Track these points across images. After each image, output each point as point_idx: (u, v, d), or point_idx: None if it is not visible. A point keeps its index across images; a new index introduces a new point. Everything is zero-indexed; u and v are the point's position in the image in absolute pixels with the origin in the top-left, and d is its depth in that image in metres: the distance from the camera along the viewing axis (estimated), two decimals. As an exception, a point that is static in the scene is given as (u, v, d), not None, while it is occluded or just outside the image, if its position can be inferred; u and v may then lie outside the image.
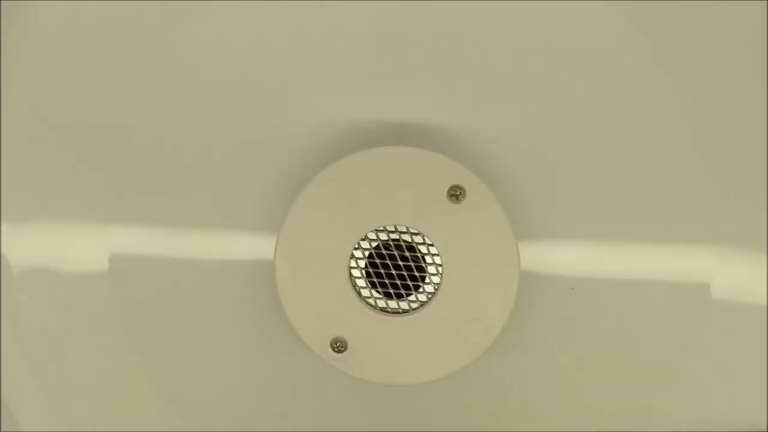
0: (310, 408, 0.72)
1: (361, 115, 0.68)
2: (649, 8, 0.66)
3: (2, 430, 0.72)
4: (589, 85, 0.68)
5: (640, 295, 0.70)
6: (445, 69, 0.67)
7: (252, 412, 0.72)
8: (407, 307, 0.66)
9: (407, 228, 0.65)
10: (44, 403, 0.72)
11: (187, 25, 0.67)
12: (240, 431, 0.72)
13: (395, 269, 0.66)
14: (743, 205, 0.69)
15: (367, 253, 0.66)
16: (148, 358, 0.71)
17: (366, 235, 0.65)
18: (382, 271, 0.66)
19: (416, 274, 0.66)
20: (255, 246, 0.70)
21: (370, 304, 0.66)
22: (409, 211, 0.65)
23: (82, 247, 0.70)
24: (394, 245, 0.66)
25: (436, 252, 0.65)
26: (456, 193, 0.64)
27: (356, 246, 0.65)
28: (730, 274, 0.70)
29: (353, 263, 0.66)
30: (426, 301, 0.66)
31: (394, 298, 0.66)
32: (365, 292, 0.66)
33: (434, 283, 0.66)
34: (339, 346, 0.66)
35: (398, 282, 0.66)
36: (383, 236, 0.66)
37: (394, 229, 0.65)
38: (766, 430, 0.71)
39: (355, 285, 0.66)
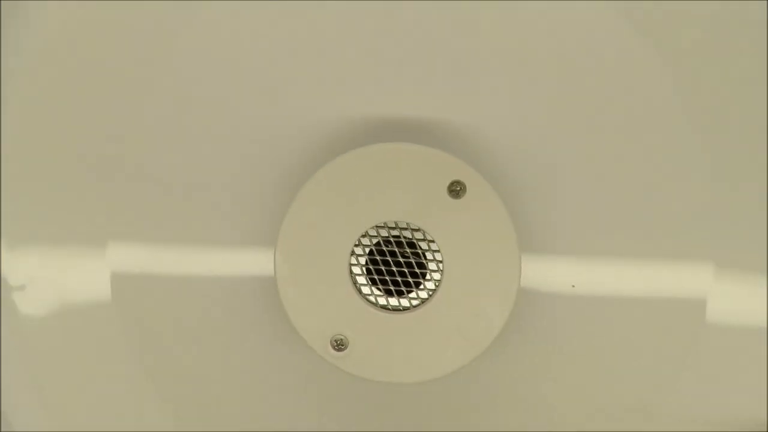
0: (309, 407, 0.72)
1: (360, 113, 0.68)
2: (650, 8, 0.66)
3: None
4: (589, 83, 0.68)
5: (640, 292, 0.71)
6: (444, 65, 0.67)
7: (251, 412, 0.72)
8: (408, 305, 0.66)
9: (408, 224, 0.65)
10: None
11: (183, 29, 0.67)
12: (239, 431, 0.72)
13: (396, 266, 0.66)
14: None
15: (367, 250, 0.65)
16: (147, 358, 0.71)
17: (366, 232, 0.65)
18: (383, 268, 0.66)
19: (417, 270, 0.66)
20: (257, 247, 0.70)
21: (370, 302, 0.66)
22: (409, 208, 0.65)
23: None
24: (395, 242, 0.66)
25: (437, 248, 0.65)
26: (456, 189, 0.64)
27: (356, 243, 0.65)
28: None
29: (353, 260, 0.65)
30: (427, 299, 0.66)
31: (395, 295, 0.66)
32: (366, 290, 0.66)
33: (435, 280, 0.66)
34: (339, 344, 0.65)
35: (399, 279, 0.66)
36: (384, 233, 0.65)
37: (394, 226, 0.65)
38: (766, 430, 0.70)
39: (355, 282, 0.66)
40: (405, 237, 0.66)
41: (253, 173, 0.69)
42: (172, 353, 0.72)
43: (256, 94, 0.68)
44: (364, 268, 0.66)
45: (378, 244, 0.66)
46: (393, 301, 0.66)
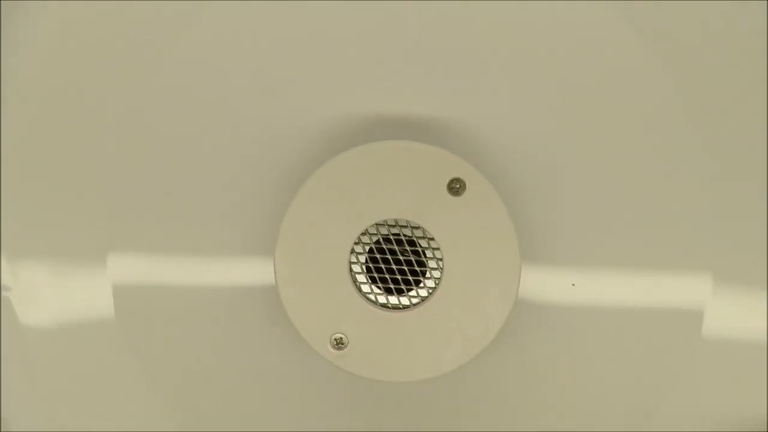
0: (308, 406, 0.72)
1: (359, 111, 0.68)
2: (650, 8, 0.67)
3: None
4: (588, 83, 0.68)
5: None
6: (444, 64, 0.67)
7: (250, 411, 0.72)
8: (408, 303, 0.66)
9: (407, 222, 0.65)
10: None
11: (183, 29, 0.67)
12: (238, 430, 0.71)
13: (395, 264, 0.66)
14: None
15: (367, 248, 0.65)
16: (145, 357, 0.71)
17: (366, 230, 0.65)
18: (383, 266, 0.65)
19: (417, 269, 0.66)
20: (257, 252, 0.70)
21: (370, 300, 0.66)
22: (409, 205, 0.65)
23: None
24: (395, 240, 0.66)
25: (437, 246, 0.65)
26: (456, 186, 0.64)
27: (356, 241, 0.65)
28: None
29: (353, 258, 0.65)
30: (426, 297, 0.66)
31: (395, 293, 0.66)
32: (365, 288, 0.66)
33: (435, 278, 0.65)
34: (339, 342, 0.65)
35: (399, 277, 0.66)
36: (383, 231, 0.65)
37: (394, 224, 0.65)
38: (766, 430, 0.70)
39: (355, 281, 0.66)
40: (405, 235, 0.65)
41: (253, 173, 0.69)
42: (169, 356, 0.72)
43: (255, 94, 0.68)
44: (363, 267, 0.66)
45: (378, 242, 0.66)
46: (393, 299, 0.66)
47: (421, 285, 0.66)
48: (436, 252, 0.65)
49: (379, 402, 0.71)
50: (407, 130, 0.68)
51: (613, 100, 0.68)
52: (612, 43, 0.67)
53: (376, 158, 0.65)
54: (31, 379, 0.71)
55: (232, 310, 0.71)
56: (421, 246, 0.66)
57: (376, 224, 0.65)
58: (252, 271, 0.70)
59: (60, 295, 0.70)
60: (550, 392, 0.71)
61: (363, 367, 0.65)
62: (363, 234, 0.65)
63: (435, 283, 0.66)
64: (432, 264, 0.66)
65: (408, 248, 0.66)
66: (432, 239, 0.65)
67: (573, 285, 0.70)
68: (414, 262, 0.66)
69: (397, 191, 0.65)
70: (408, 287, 0.66)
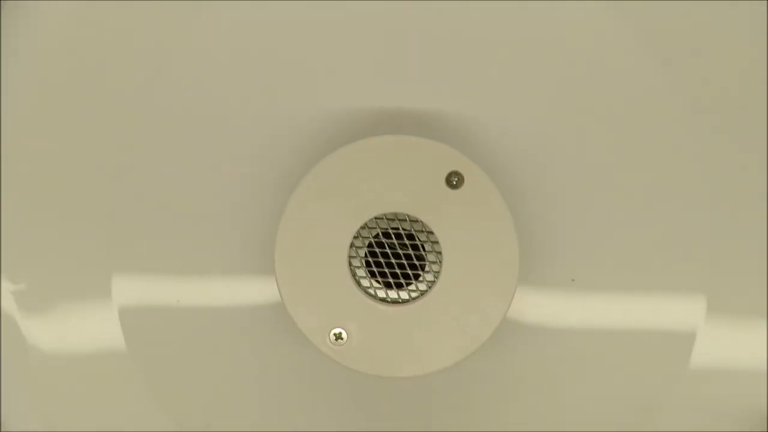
0: (307, 401, 0.72)
1: (357, 106, 0.68)
2: (650, 8, 0.67)
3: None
4: (586, 81, 0.68)
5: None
6: (440, 58, 0.68)
7: (249, 406, 0.72)
8: (407, 297, 0.66)
9: (406, 216, 0.65)
10: None
11: (183, 28, 0.68)
12: (237, 426, 0.71)
13: (395, 258, 0.66)
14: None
15: (366, 242, 0.65)
16: (144, 356, 0.71)
17: (365, 224, 0.65)
18: (382, 260, 0.66)
19: (416, 263, 0.66)
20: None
21: (370, 294, 0.66)
22: (408, 199, 0.65)
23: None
24: (394, 234, 0.66)
25: (436, 239, 0.65)
26: (454, 180, 0.64)
27: (356, 235, 0.65)
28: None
29: (353, 252, 0.65)
30: (426, 291, 0.66)
31: (394, 288, 0.66)
32: (365, 282, 0.66)
33: (434, 272, 0.66)
34: (338, 337, 0.65)
35: (398, 271, 0.66)
36: (383, 224, 0.65)
37: (393, 217, 0.65)
38: (766, 430, 0.70)
39: (354, 275, 0.66)
40: (404, 229, 0.66)
41: (253, 169, 0.69)
42: (168, 356, 0.72)
43: (255, 91, 0.69)
44: (363, 261, 0.66)
45: (377, 236, 0.66)
46: (392, 293, 0.66)
47: (421, 279, 0.66)
48: (435, 245, 0.65)
49: (378, 397, 0.71)
50: (405, 124, 0.68)
51: (609, 96, 0.69)
52: (610, 41, 0.68)
53: (374, 153, 0.65)
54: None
55: (234, 312, 0.71)
56: (420, 240, 0.66)
57: (375, 218, 0.65)
58: (254, 272, 0.70)
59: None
60: (550, 385, 0.71)
61: (362, 362, 0.65)
62: (362, 228, 0.65)
63: (434, 276, 0.66)
64: (431, 258, 0.66)
65: (407, 242, 0.66)
66: (431, 233, 0.65)
67: (573, 280, 0.70)
68: (413, 256, 0.66)
69: (396, 185, 0.65)
70: (407, 281, 0.66)
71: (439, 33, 0.67)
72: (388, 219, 0.65)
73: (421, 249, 0.66)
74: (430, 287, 0.66)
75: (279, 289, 0.65)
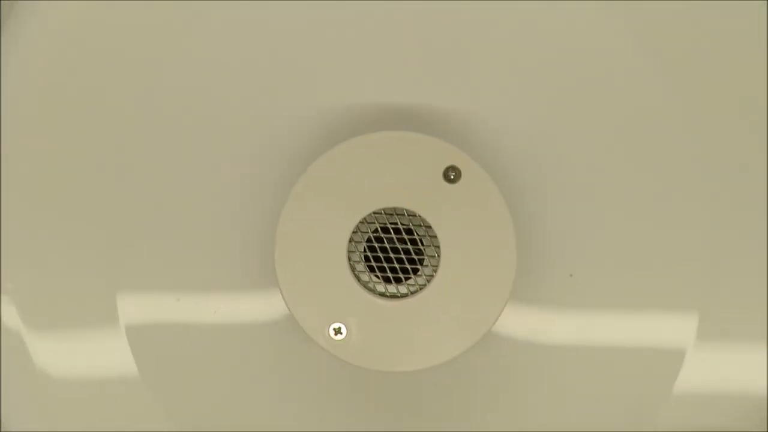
0: (306, 396, 0.72)
1: (355, 103, 0.69)
2: (651, 8, 0.68)
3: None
4: (582, 75, 0.69)
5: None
6: (438, 56, 0.69)
7: (248, 402, 0.72)
8: (406, 291, 0.66)
9: (405, 210, 0.66)
10: None
11: (182, 28, 0.69)
12: (237, 422, 0.71)
13: (393, 253, 0.66)
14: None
15: (365, 237, 0.66)
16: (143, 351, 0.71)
17: (364, 219, 0.66)
18: (381, 255, 0.66)
19: (414, 257, 0.66)
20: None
21: (369, 289, 0.66)
22: (406, 194, 0.65)
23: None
24: (393, 229, 0.66)
25: (434, 234, 0.66)
26: (452, 174, 0.65)
27: (355, 230, 0.66)
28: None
29: (352, 247, 0.66)
30: (425, 285, 0.66)
31: (393, 282, 0.66)
32: (364, 277, 0.66)
33: (433, 266, 0.66)
34: (337, 332, 0.65)
35: (397, 266, 0.66)
36: (381, 219, 0.66)
37: (392, 212, 0.66)
38: (766, 430, 0.70)
39: (354, 270, 0.66)
40: (402, 224, 0.66)
41: (253, 168, 0.70)
42: (167, 353, 0.72)
43: (254, 91, 0.69)
44: (362, 256, 0.66)
45: (376, 231, 0.66)
46: (391, 288, 0.66)
47: (419, 273, 0.66)
48: (433, 240, 0.66)
49: (377, 391, 0.71)
50: (402, 120, 0.69)
51: (608, 95, 0.69)
52: (609, 40, 0.68)
53: (372, 149, 0.66)
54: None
55: (235, 313, 0.71)
56: (418, 234, 0.66)
57: (374, 213, 0.66)
58: (252, 271, 0.71)
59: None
60: (550, 380, 0.71)
61: (361, 357, 0.66)
62: (361, 223, 0.66)
63: (433, 270, 0.66)
64: (429, 252, 0.66)
65: (405, 237, 0.66)
66: (429, 227, 0.66)
67: (571, 275, 0.70)
68: (411, 251, 0.66)
69: (394, 180, 0.66)
70: (406, 276, 0.66)
71: (436, 31, 0.68)
72: (386, 214, 0.66)
73: (420, 243, 0.66)
74: (428, 281, 0.66)
75: (279, 285, 0.65)
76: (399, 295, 0.66)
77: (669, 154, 0.69)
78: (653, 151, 0.69)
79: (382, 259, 0.66)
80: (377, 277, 0.66)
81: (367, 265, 0.66)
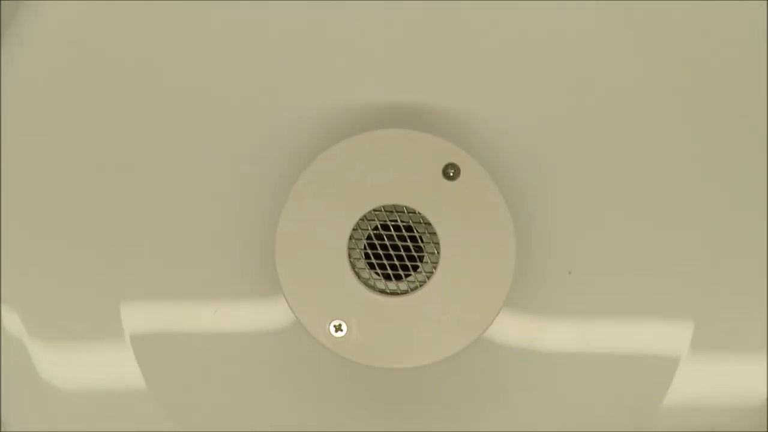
0: (307, 393, 0.72)
1: (355, 102, 0.70)
2: (651, 8, 0.68)
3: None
4: (580, 74, 0.70)
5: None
6: (436, 54, 0.69)
7: (248, 398, 0.72)
8: (406, 288, 0.67)
9: (405, 207, 0.66)
10: None
11: (182, 27, 0.69)
12: (236, 418, 0.72)
13: (394, 250, 0.67)
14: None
15: (365, 234, 0.66)
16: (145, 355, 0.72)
17: (364, 216, 0.66)
18: (381, 252, 0.66)
19: (414, 254, 0.67)
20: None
21: (369, 286, 0.67)
22: (405, 191, 0.66)
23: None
24: (392, 226, 0.67)
25: (433, 230, 0.66)
26: (451, 171, 0.65)
27: (355, 227, 0.66)
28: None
29: (352, 244, 0.66)
30: (425, 281, 0.66)
31: (393, 279, 0.67)
32: (364, 274, 0.67)
33: (432, 263, 0.66)
34: (338, 329, 0.66)
35: (397, 263, 0.67)
36: (381, 217, 0.66)
37: (392, 209, 0.66)
38: (766, 430, 0.70)
39: (354, 267, 0.66)
40: (402, 221, 0.67)
41: (253, 167, 0.71)
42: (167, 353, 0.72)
43: (254, 89, 0.70)
44: (362, 253, 0.67)
45: (376, 228, 0.67)
46: (392, 285, 0.67)
47: (419, 270, 0.67)
48: (432, 236, 0.66)
49: (377, 388, 0.72)
50: (402, 120, 0.69)
51: (606, 93, 0.70)
52: (609, 39, 0.69)
53: (371, 147, 0.66)
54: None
55: (233, 312, 0.72)
56: (417, 231, 0.67)
57: (374, 211, 0.66)
58: (252, 271, 0.71)
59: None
60: (549, 374, 0.72)
61: (362, 354, 0.66)
62: (361, 220, 0.66)
63: (433, 267, 0.66)
64: (429, 248, 0.67)
65: (405, 234, 0.67)
66: (429, 224, 0.66)
67: (570, 273, 0.70)
68: (411, 248, 0.67)
69: (394, 178, 0.66)
70: (406, 273, 0.67)
71: (436, 31, 0.69)
72: (386, 211, 0.66)
73: (420, 240, 0.67)
74: (428, 278, 0.66)
75: (280, 282, 0.66)
76: (399, 291, 0.67)
77: (669, 154, 0.70)
78: (653, 151, 0.70)
79: (382, 256, 0.66)
80: (377, 274, 0.67)
81: (368, 263, 0.67)
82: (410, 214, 0.66)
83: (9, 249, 0.70)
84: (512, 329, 0.71)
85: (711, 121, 0.69)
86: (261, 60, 0.69)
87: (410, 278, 0.67)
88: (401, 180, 0.66)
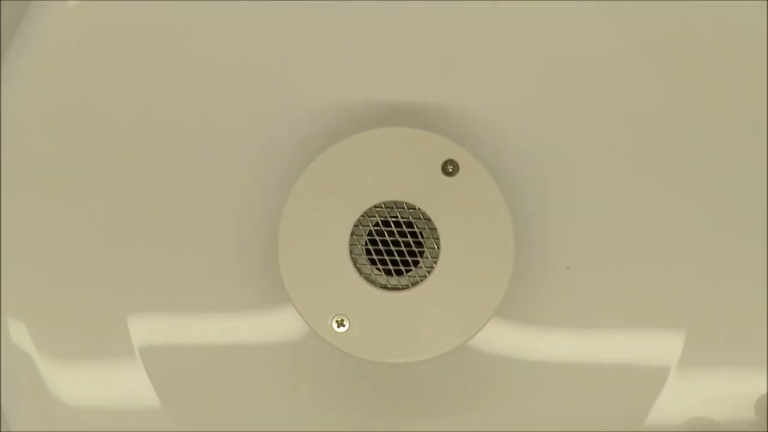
0: (309, 388, 0.72)
1: (355, 102, 0.70)
2: (651, 9, 0.69)
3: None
4: (578, 73, 0.70)
5: None
6: (435, 53, 0.70)
7: (249, 394, 0.72)
8: (407, 283, 0.67)
9: (405, 204, 0.67)
10: None
11: (181, 27, 0.70)
12: (236, 415, 0.72)
13: (394, 245, 0.67)
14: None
15: (366, 230, 0.67)
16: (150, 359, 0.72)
17: (365, 213, 0.67)
18: (382, 248, 0.67)
19: (415, 249, 0.67)
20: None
21: (371, 281, 0.67)
22: (405, 188, 0.67)
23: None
24: (393, 222, 0.67)
25: (434, 226, 0.67)
26: (450, 168, 0.66)
27: (356, 224, 0.67)
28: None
29: (353, 241, 0.67)
30: (425, 276, 0.67)
31: (394, 274, 0.67)
32: (366, 270, 0.67)
33: (433, 258, 0.67)
34: (340, 324, 0.66)
35: (398, 258, 0.67)
36: (382, 213, 0.67)
37: (392, 206, 0.67)
38: (766, 430, 0.71)
39: (355, 262, 0.67)
40: (402, 217, 0.67)
41: (253, 167, 0.71)
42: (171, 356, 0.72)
43: (254, 89, 0.70)
44: (363, 249, 0.67)
45: (377, 224, 0.67)
46: (393, 280, 0.67)
47: (420, 265, 0.67)
48: (433, 232, 0.67)
49: (379, 383, 0.72)
50: (402, 119, 0.70)
51: (606, 94, 0.70)
52: (609, 39, 0.69)
53: (372, 144, 0.67)
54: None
55: (233, 312, 0.72)
56: (418, 227, 0.67)
57: (375, 207, 0.67)
58: (253, 271, 0.72)
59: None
60: (549, 370, 0.72)
61: (364, 349, 0.67)
62: (362, 217, 0.67)
63: (433, 262, 0.67)
64: (429, 243, 0.67)
65: (406, 230, 0.67)
66: (429, 219, 0.67)
67: (567, 268, 0.71)
68: (412, 243, 0.67)
69: (394, 175, 0.67)
70: (407, 268, 0.67)
71: (435, 31, 0.70)
72: (387, 207, 0.67)
73: (420, 236, 0.67)
74: (429, 272, 0.67)
75: (282, 278, 0.66)
76: (400, 286, 0.67)
77: (669, 154, 0.70)
78: (653, 151, 0.70)
79: (383, 251, 0.67)
80: (378, 269, 0.67)
81: (369, 258, 0.67)
82: (410, 210, 0.67)
83: (8, 251, 0.70)
84: (511, 325, 0.71)
85: (711, 121, 0.70)
86: (261, 60, 0.70)
87: (411, 273, 0.67)
88: (401, 177, 0.67)
